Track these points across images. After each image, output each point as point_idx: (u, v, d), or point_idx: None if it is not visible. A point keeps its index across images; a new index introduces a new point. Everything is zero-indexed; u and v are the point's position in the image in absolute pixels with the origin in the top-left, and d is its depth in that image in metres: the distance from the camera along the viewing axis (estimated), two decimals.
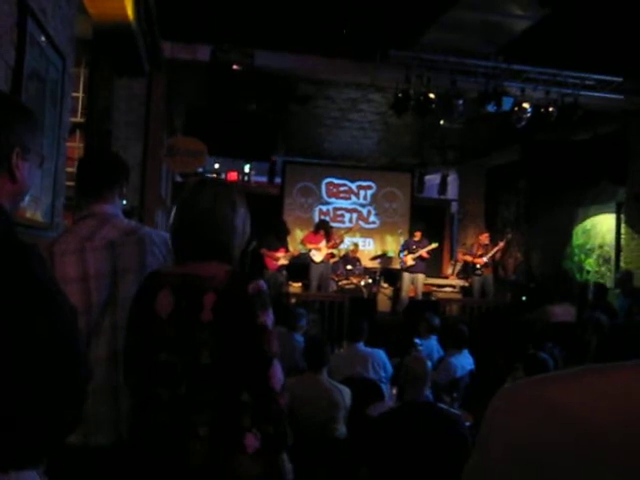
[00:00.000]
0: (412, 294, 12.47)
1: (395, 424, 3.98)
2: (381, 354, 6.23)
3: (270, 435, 2.13)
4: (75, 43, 3.90)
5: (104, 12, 5.93)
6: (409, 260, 12.34)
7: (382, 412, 4.42)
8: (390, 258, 14.64)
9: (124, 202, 2.97)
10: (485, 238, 12.86)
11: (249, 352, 2.10)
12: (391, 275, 13.31)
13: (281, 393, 2.12)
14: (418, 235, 12.58)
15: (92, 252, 2.52)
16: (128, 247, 2.55)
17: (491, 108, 8.66)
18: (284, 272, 11.88)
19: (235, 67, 7.52)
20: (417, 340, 6.90)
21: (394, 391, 5.43)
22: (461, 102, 8.68)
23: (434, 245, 12.52)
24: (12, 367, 1.32)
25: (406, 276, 12.35)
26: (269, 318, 2.13)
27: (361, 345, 6.31)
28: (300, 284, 12.50)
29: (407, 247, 12.58)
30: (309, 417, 4.56)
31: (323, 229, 12.16)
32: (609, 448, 0.66)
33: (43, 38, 2.94)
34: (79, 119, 7.07)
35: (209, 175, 15.04)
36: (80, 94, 7.05)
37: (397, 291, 12.73)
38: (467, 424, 4.21)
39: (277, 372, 2.13)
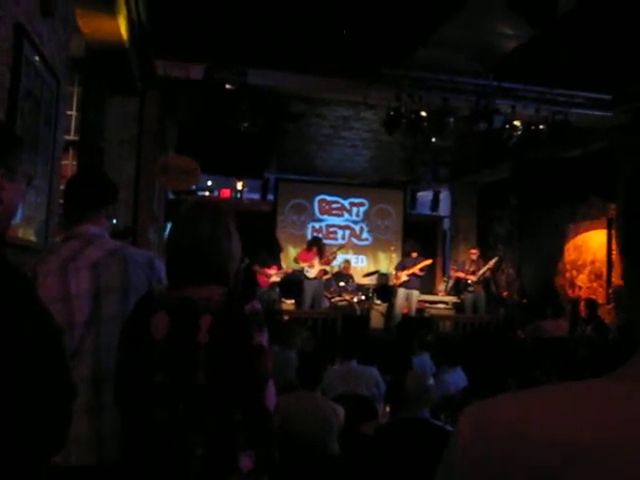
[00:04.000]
0: (405, 310, 12.49)
1: (391, 441, 3.98)
2: (374, 372, 6.23)
3: (262, 456, 2.14)
4: (69, 64, 3.93)
5: (98, 32, 5.99)
6: (403, 276, 12.38)
7: (377, 428, 4.43)
8: (384, 275, 14.66)
9: (114, 221, 2.98)
10: (474, 254, 12.93)
11: (244, 373, 2.11)
12: (385, 291, 13.32)
13: (274, 414, 2.14)
14: (414, 254, 12.68)
15: (75, 272, 2.53)
16: (111, 267, 2.56)
17: (482, 126, 8.74)
18: (277, 289, 11.90)
19: (228, 86, 7.57)
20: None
21: (387, 409, 5.43)
22: (452, 120, 8.75)
23: (428, 262, 12.57)
24: (4, 388, 1.34)
25: (401, 292, 12.41)
26: (264, 339, 2.14)
27: (354, 363, 6.31)
28: (293, 301, 12.50)
29: (403, 265, 12.67)
30: (302, 435, 4.56)
31: (316, 246, 12.20)
32: (562, 463, 0.69)
33: (38, 60, 2.97)
34: (72, 137, 7.09)
35: (201, 192, 15.05)
36: (73, 112, 7.08)
37: (391, 307, 12.75)
38: None
39: (271, 393, 2.14)
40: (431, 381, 4.34)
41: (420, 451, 3.75)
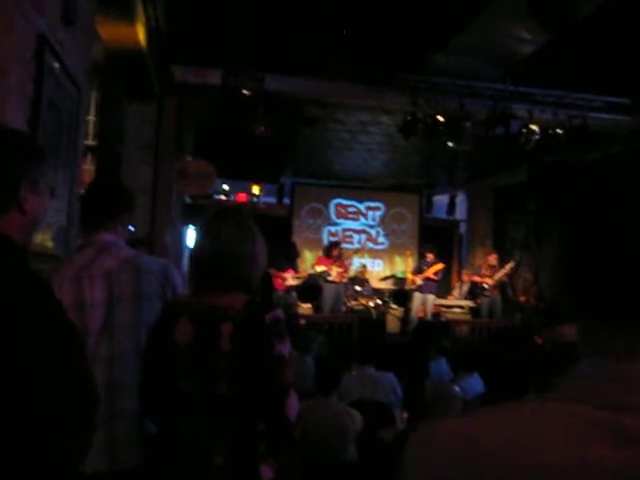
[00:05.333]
0: (421, 315, 12.47)
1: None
2: (391, 378, 6.22)
3: (283, 465, 2.14)
4: (90, 72, 3.96)
5: (116, 38, 6.04)
6: (418, 280, 12.38)
7: (396, 435, 4.42)
8: (400, 279, 14.63)
9: (132, 229, 3.00)
10: (493, 259, 12.87)
11: (266, 382, 2.11)
12: (401, 296, 13.29)
13: (295, 423, 2.14)
14: (430, 256, 12.64)
15: (88, 281, 2.56)
16: (124, 275, 2.58)
17: (499, 131, 8.71)
18: (293, 293, 11.90)
19: (245, 92, 7.60)
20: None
21: (405, 415, 5.41)
22: (469, 125, 8.73)
23: (440, 266, 12.53)
24: (33, 396, 1.35)
25: (417, 296, 12.40)
26: (286, 348, 2.14)
27: (371, 368, 6.31)
28: (310, 305, 12.50)
29: (420, 268, 12.70)
30: (319, 441, 4.56)
31: (334, 251, 12.20)
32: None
33: (60, 70, 3.00)
34: (91, 142, 7.15)
35: (218, 197, 15.09)
36: (92, 117, 7.14)
37: (407, 311, 12.73)
38: None
39: (293, 402, 2.15)
40: (456, 389, 4.32)
41: None
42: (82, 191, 4.69)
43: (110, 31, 5.77)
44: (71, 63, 3.27)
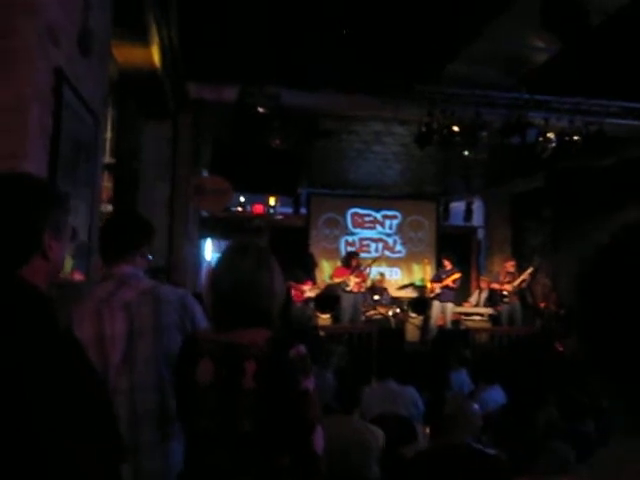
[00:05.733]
0: (441, 322, 12.43)
1: (431, 465, 3.95)
2: (412, 391, 6.19)
3: None
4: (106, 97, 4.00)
5: (131, 59, 6.09)
6: (436, 288, 12.35)
7: (418, 452, 4.40)
8: (418, 287, 14.60)
9: (150, 257, 3.03)
10: (511, 266, 12.82)
11: (291, 418, 2.10)
12: (420, 304, 13.25)
13: (322, 457, 2.13)
14: (447, 264, 12.63)
15: (109, 314, 2.59)
16: (144, 307, 2.61)
17: (515, 140, 8.69)
18: (311, 305, 11.91)
19: (261, 110, 7.63)
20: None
21: (427, 430, 5.39)
22: (485, 134, 8.71)
23: (457, 275, 12.48)
24: (57, 450, 1.36)
25: (436, 304, 12.37)
26: (311, 383, 2.14)
27: (391, 382, 6.28)
28: (328, 316, 12.50)
29: (438, 276, 12.70)
30: (341, 459, 4.54)
31: (352, 260, 12.21)
32: None
33: (77, 102, 3.03)
34: (108, 159, 7.20)
35: (234, 209, 15.12)
36: (108, 135, 7.19)
37: (426, 320, 12.70)
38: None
39: (319, 437, 2.13)
40: (476, 406, 4.29)
41: (461, 477, 3.72)
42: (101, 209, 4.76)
43: (125, 53, 5.81)
44: (87, 92, 3.30)
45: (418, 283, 14.79)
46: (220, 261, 2.37)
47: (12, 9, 2.43)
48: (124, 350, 2.57)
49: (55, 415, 1.36)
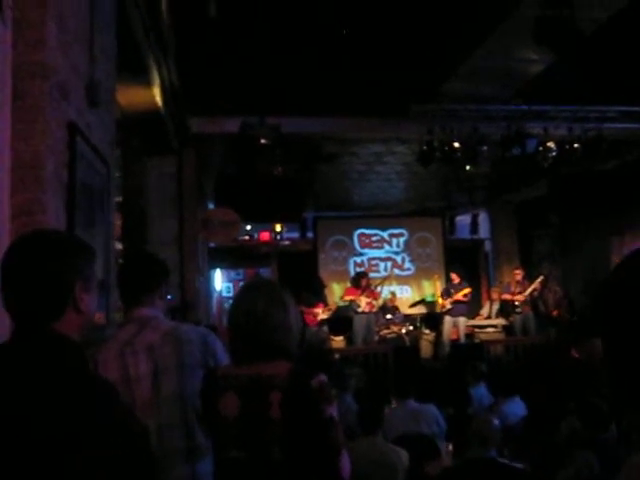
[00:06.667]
0: (454, 337, 12.41)
1: None
2: (433, 410, 6.19)
3: None
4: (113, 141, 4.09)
5: (134, 101, 6.19)
6: (447, 304, 12.38)
7: (444, 469, 4.42)
8: (429, 303, 14.60)
9: (169, 297, 3.08)
10: (519, 274, 12.83)
11: (318, 444, 2.18)
12: (432, 320, 13.25)
13: None
14: (455, 278, 12.66)
15: (132, 356, 2.66)
16: (166, 348, 2.67)
17: (516, 151, 8.77)
18: (325, 328, 11.93)
19: (263, 141, 7.74)
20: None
21: (450, 447, 5.40)
22: (485, 148, 8.79)
23: (467, 290, 12.48)
24: None
25: (447, 320, 12.37)
26: (334, 410, 2.22)
27: (411, 402, 6.28)
28: (342, 338, 12.51)
29: (447, 291, 12.70)
30: None
31: (361, 280, 12.23)
32: None
33: (90, 151, 3.11)
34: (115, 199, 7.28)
35: (242, 237, 15.20)
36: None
37: (439, 335, 12.69)
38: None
39: (346, 462, 2.22)
40: (496, 422, 4.32)
41: None
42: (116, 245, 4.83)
43: (127, 95, 5.92)
44: (98, 140, 3.39)
45: (429, 299, 14.80)
46: (235, 299, 2.50)
47: (25, 71, 2.52)
48: (149, 391, 2.63)
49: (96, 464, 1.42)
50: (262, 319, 2.33)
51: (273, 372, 2.25)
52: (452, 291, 12.49)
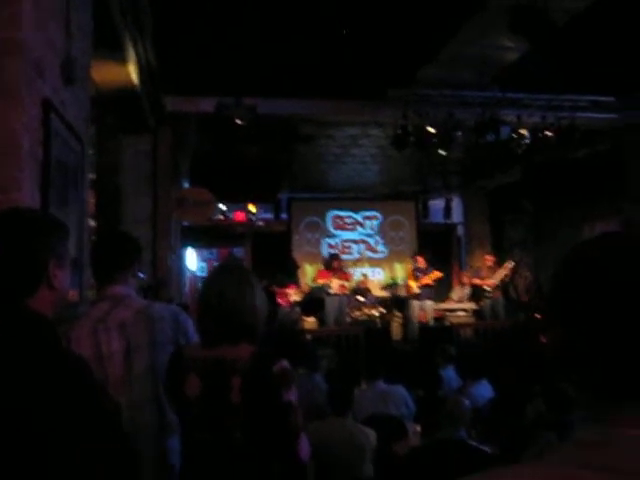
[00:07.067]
0: (423, 320, 12.49)
1: (426, 462, 4.05)
2: (402, 391, 6.27)
3: None
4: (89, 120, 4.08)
5: (109, 78, 6.14)
6: (414, 288, 12.42)
7: (411, 449, 4.50)
8: (399, 286, 14.67)
9: (142, 276, 3.11)
10: (490, 260, 12.95)
11: (278, 428, 2.25)
12: (400, 303, 13.31)
13: (308, 462, 2.30)
14: (421, 261, 12.66)
15: (105, 333, 2.69)
16: (138, 325, 2.71)
17: (489, 138, 8.84)
18: (297, 309, 11.99)
19: (239, 122, 7.71)
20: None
21: (418, 428, 5.47)
22: (460, 134, 8.85)
23: (438, 275, 12.55)
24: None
25: (415, 304, 12.39)
26: (294, 395, 2.28)
27: (381, 383, 6.36)
28: (314, 319, 12.59)
29: (413, 274, 12.69)
30: (336, 462, 4.63)
31: (333, 262, 12.28)
32: None
33: (64, 129, 3.11)
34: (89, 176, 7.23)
35: (216, 217, 15.17)
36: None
37: (406, 319, 12.77)
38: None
39: (304, 444, 2.31)
40: (467, 402, 4.41)
41: (457, 474, 3.81)
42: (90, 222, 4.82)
43: (103, 72, 5.87)
44: (72, 118, 3.38)
45: (400, 282, 14.86)
46: (206, 281, 2.56)
47: (0, 48, 2.51)
48: (122, 368, 2.67)
49: (68, 437, 1.45)
50: (231, 301, 2.37)
51: (236, 356, 2.30)
52: (419, 275, 12.52)
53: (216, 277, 2.50)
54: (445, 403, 4.47)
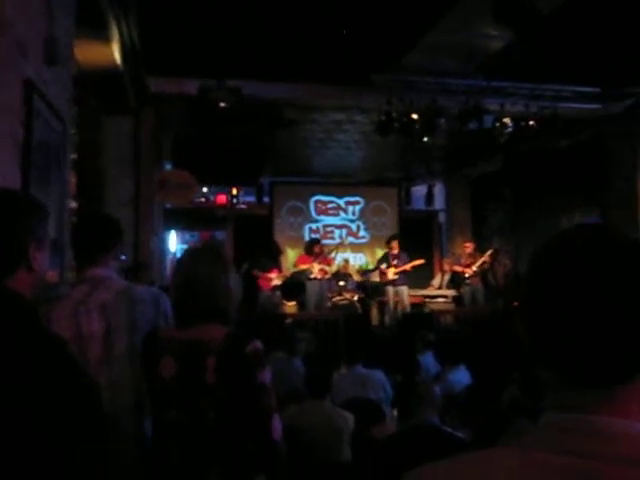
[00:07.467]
0: (400, 307, 12.50)
1: (401, 448, 4.10)
2: (380, 375, 6.34)
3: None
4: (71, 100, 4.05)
5: (92, 57, 6.09)
6: (391, 274, 12.39)
7: (388, 435, 4.55)
8: (373, 272, 14.60)
9: (123, 258, 3.12)
10: (469, 247, 13.02)
11: (251, 408, 2.29)
12: (375, 289, 13.30)
13: (281, 442, 2.33)
14: (395, 246, 12.58)
15: (85, 315, 2.70)
16: (119, 307, 2.73)
17: (472, 126, 8.87)
18: (278, 293, 12.01)
19: (222, 105, 7.67)
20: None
21: (395, 413, 5.53)
22: (443, 121, 8.88)
23: (420, 262, 12.59)
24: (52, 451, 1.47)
25: (390, 290, 12.41)
26: (267, 376, 2.32)
27: (360, 367, 6.41)
28: (294, 303, 12.62)
29: (386, 260, 12.62)
30: (314, 444, 4.68)
31: (314, 247, 12.29)
32: None
33: (46, 109, 3.09)
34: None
35: (198, 199, 15.13)
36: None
37: (382, 305, 12.81)
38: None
39: (277, 425, 2.34)
40: (436, 389, 4.46)
41: (430, 459, 3.86)
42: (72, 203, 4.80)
43: (85, 51, 5.82)
44: (55, 98, 3.36)
45: (371, 267, 14.79)
46: (179, 262, 2.57)
47: None
48: (102, 349, 2.68)
49: (56, 417, 1.47)
50: (205, 282, 2.40)
51: (210, 336, 2.32)
52: (394, 262, 12.40)
53: (189, 259, 2.53)
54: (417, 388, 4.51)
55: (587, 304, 0.89)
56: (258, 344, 2.33)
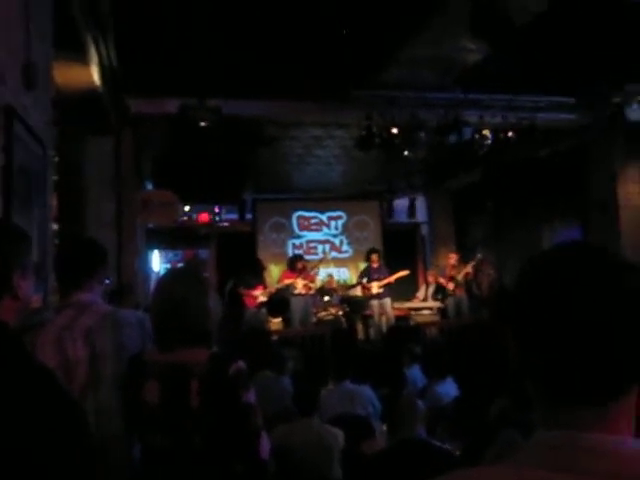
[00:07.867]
0: (384, 320, 12.48)
1: (390, 463, 4.09)
2: (368, 391, 6.31)
3: None
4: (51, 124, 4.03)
5: (71, 79, 6.07)
6: (375, 288, 12.31)
7: (377, 451, 4.53)
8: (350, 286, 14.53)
9: (107, 281, 3.10)
10: (452, 259, 13.06)
11: (238, 429, 2.28)
12: (359, 303, 13.22)
13: (269, 461, 2.33)
14: (375, 260, 12.49)
15: (71, 340, 2.67)
16: (104, 332, 2.70)
17: (452, 138, 8.94)
18: (264, 310, 11.96)
19: (203, 124, 7.68)
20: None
21: (384, 427, 5.51)
22: (423, 134, 8.94)
23: (405, 273, 12.59)
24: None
25: (375, 303, 12.36)
26: (252, 396, 2.32)
27: (347, 383, 6.39)
28: (280, 319, 12.58)
29: (367, 274, 12.55)
30: (304, 463, 4.65)
31: (297, 263, 12.27)
32: None
33: (27, 134, 3.08)
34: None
35: (181, 219, 15.07)
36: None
37: (366, 318, 12.77)
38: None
39: (265, 444, 2.33)
40: (420, 403, 4.45)
41: (421, 474, 3.86)
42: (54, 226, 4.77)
43: (64, 73, 5.79)
44: (35, 122, 3.35)
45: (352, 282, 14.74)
46: (157, 286, 2.55)
47: None
48: (87, 374, 2.65)
49: (38, 445, 1.45)
50: (181, 304, 2.39)
51: (193, 359, 2.31)
52: (376, 276, 12.31)
53: (167, 282, 2.52)
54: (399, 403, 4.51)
55: (575, 323, 0.90)
56: (241, 364, 2.32)
